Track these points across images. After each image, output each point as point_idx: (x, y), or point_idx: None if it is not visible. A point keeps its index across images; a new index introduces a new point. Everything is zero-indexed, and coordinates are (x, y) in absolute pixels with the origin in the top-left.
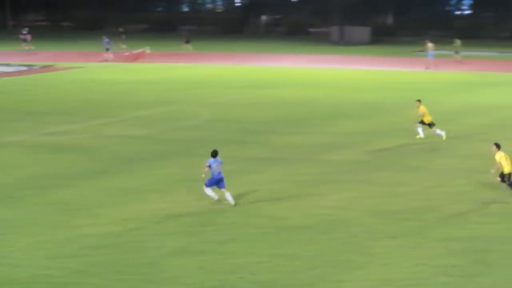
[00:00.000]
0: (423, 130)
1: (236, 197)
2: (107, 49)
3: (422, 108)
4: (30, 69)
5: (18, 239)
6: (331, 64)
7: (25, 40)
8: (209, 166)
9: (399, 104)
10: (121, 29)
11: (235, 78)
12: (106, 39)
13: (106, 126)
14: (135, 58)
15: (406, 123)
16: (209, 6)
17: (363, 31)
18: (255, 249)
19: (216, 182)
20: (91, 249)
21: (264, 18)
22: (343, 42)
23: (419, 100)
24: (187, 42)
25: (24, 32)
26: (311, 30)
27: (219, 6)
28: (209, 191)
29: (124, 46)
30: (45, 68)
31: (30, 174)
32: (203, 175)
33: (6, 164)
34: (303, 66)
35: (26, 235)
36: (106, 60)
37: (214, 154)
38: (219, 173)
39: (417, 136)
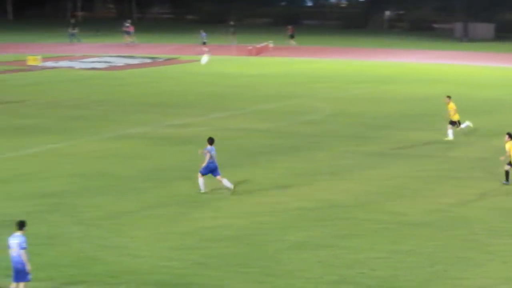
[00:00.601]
0: (453, 132)
1: (356, 193)
2: (204, 43)
3: (452, 105)
4: (154, 61)
5: (140, 230)
6: (453, 61)
7: (127, 33)
8: (209, 153)
9: None
10: (231, 23)
11: (356, 73)
12: (203, 33)
13: (228, 119)
14: (258, 52)
15: None
16: (333, 0)
17: (487, 28)
18: (375, 245)
19: (211, 170)
20: (212, 242)
21: (387, 13)
22: (467, 38)
23: (449, 96)
24: (292, 36)
25: (127, 24)
26: (435, 26)
27: (343, 1)
28: (201, 181)
29: (234, 39)
30: (169, 60)
31: (153, 166)
32: (204, 164)
33: (131, 156)
34: (426, 62)
35: (148, 227)
36: (203, 53)
37: (211, 141)
38: (213, 161)
39: (446, 138)
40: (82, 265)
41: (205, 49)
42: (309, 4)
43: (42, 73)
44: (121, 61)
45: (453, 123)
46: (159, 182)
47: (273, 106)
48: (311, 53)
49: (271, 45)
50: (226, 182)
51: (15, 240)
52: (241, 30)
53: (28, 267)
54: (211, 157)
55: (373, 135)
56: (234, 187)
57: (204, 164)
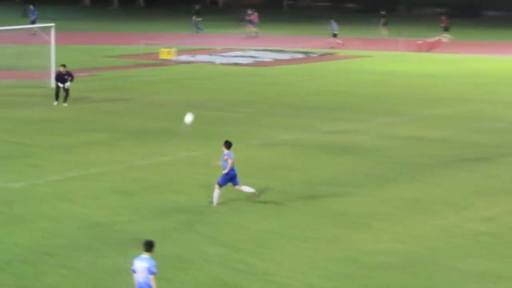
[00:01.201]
0: None
1: None
2: (335, 35)
3: None
4: (307, 56)
5: (288, 255)
6: None
7: (250, 22)
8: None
9: None
10: (382, 12)
11: None
12: (334, 24)
13: (393, 126)
14: (430, 47)
15: None
16: None
17: None
18: None
19: (231, 178)
20: (373, 270)
21: None
22: None
23: None
24: (446, 29)
25: (250, 12)
26: None
27: None
28: (216, 194)
29: (385, 32)
30: (325, 56)
31: (304, 179)
32: (214, 163)
33: (278, 166)
34: None
35: (296, 250)
36: (333, 47)
37: (228, 145)
38: (233, 168)
39: None
40: None
41: (338, 41)
42: None
43: (176, 68)
44: (268, 56)
45: None
46: (310, 199)
47: (447, 111)
48: (493, 50)
49: (444, 39)
50: (247, 189)
51: (143, 263)
52: (410, 21)
53: None
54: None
55: None
56: (258, 193)
57: (225, 171)
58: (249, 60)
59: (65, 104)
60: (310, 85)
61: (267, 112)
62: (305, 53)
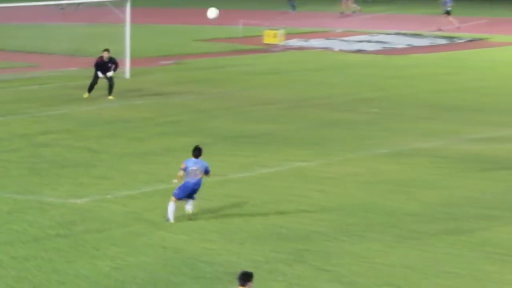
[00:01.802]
0: None
1: None
2: (447, 12)
3: None
4: (452, 42)
5: None
6: None
7: None
8: (185, 169)
9: None
10: None
11: None
12: None
13: None
14: None
15: None
16: None
17: None
18: None
19: (190, 193)
20: None
21: None
22: None
23: None
24: None
25: None
26: None
27: None
28: (170, 208)
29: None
30: (474, 42)
31: (445, 199)
32: (176, 181)
33: (411, 183)
34: None
35: None
36: (440, 29)
37: (196, 153)
38: (197, 182)
39: None
40: None
41: (451, 19)
42: None
43: (284, 56)
44: (401, 41)
45: None
46: (453, 224)
47: None
48: None
49: None
50: (188, 206)
51: None
52: None
53: None
54: (188, 173)
55: None
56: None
57: (175, 180)
58: (377, 47)
59: (110, 97)
60: (454, 79)
61: (399, 113)
62: (449, 38)
